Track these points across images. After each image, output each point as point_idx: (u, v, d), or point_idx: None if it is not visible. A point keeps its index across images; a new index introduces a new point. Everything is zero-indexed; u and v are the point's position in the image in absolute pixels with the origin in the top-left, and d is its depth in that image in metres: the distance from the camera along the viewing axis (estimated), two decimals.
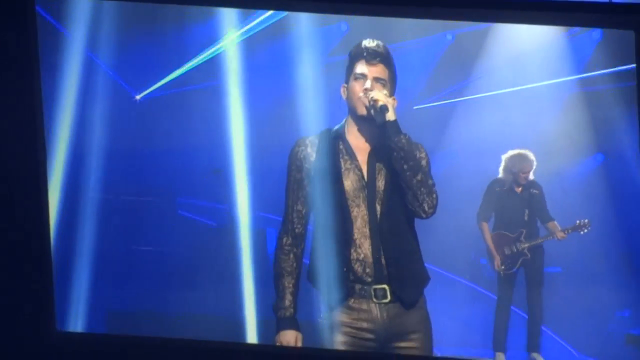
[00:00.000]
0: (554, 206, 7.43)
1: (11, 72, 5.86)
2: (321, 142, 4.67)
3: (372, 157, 4.64)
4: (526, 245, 7.38)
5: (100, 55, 6.65)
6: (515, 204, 7.44)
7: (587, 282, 7.68)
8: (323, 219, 4.61)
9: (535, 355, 7.36)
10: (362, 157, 4.67)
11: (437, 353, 7.25)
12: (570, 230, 7.28)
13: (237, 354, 5.95)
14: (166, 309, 6.97)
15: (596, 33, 7.23)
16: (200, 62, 7.22)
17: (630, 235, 7.34)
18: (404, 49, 7.41)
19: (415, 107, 7.67)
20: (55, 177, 6.39)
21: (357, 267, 4.56)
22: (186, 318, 6.90)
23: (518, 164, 7.36)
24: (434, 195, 4.52)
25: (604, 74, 7.06)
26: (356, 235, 4.56)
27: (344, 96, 4.73)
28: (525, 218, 7.41)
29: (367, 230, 4.58)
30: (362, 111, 4.60)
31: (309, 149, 4.67)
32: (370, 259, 4.56)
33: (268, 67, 7.15)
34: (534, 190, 7.40)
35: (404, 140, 4.51)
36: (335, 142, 4.66)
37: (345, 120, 4.71)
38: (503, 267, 7.44)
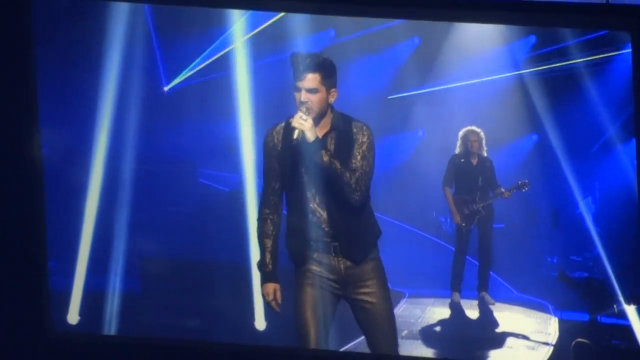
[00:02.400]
0: (501, 174, 8.35)
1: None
2: (284, 131, 4.94)
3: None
4: (480, 205, 8.27)
5: (135, 55, 7.35)
6: (472, 172, 8.32)
7: (524, 235, 8.70)
8: (289, 193, 4.97)
9: (483, 294, 8.24)
10: None
11: (405, 293, 8.06)
12: (514, 189, 8.17)
13: (233, 356, 6.12)
14: (189, 256, 7.66)
15: (532, 38, 8.13)
16: (216, 58, 8.03)
17: (555, 197, 8.32)
18: (381, 51, 8.44)
19: (388, 97, 8.57)
20: (99, 151, 7.18)
21: (318, 229, 4.93)
22: (203, 263, 7.61)
23: (468, 135, 8.30)
24: (358, 193, 4.80)
25: (538, 70, 8.02)
26: (315, 206, 4.92)
27: None
28: (480, 183, 8.29)
29: (322, 201, 4.90)
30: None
31: (275, 139, 4.97)
32: (326, 222, 4.91)
33: (270, 63, 7.93)
34: (487, 164, 8.34)
35: (324, 158, 4.77)
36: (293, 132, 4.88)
37: None
38: (464, 224, 8.28)
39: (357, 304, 4.98)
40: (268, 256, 4.99)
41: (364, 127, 4.95)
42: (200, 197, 8.30)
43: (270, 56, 7.95)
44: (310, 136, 4.80)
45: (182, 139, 8.18)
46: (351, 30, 7.70)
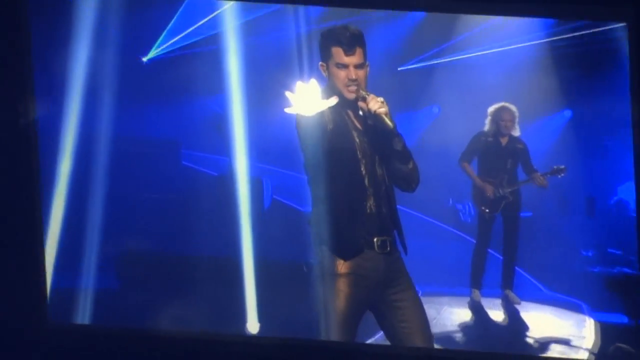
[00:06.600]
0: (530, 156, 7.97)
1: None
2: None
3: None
4: (508, 189, 7.92)
5: (109, 21, 7.01)
6: (499, 153, 7.95)
7: (555, 225, 8.16)
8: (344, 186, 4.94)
9: (508, 292, 7.85)
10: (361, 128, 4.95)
11: (419, 291, 7.81)
12: (549, 175, 7.82)
13: (228, 346, 6.16)
14: (171, 249, 7.43)
15: None
16: (202, 26, 7.61)
17: (590, 182, 7.85)
18: (387, 14, 7.82)
19: (399, 69, 8.06)
20: (70, 130, 6.88)
21: (368, 224, 4.91)
22: (187, 257, 7.38)
23: (501, 114, 7.89)
24: (416, 182, 4.97)
25: (571, 38, 7.41)
26: (369, 201, 4.90)
27: (324, 74, 4.94)
28: (508, 166, 7.94)
29: (371, 189, 4.90)
30: (350, 96, 4.84)
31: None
32: (374, 214, 4.90)
33: (262, 32, 7.54)
34: (519, 145, 7.94)
35: (399, 145, 4.84)
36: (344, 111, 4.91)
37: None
38: (487, 210, 7.97)
39: (391, 305, 4.99)
40: None
41: None
42: (183, 182, 8.00)
43: (261, 23, 7.55)
44: (390, 122, 4.78)
45: (162, 116, 7.82)
46: None
